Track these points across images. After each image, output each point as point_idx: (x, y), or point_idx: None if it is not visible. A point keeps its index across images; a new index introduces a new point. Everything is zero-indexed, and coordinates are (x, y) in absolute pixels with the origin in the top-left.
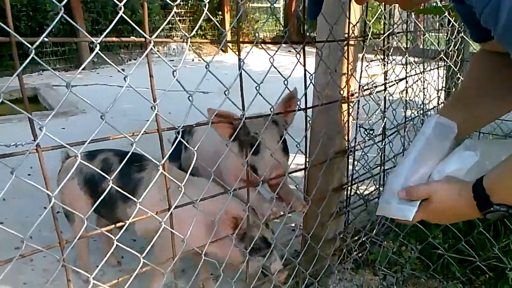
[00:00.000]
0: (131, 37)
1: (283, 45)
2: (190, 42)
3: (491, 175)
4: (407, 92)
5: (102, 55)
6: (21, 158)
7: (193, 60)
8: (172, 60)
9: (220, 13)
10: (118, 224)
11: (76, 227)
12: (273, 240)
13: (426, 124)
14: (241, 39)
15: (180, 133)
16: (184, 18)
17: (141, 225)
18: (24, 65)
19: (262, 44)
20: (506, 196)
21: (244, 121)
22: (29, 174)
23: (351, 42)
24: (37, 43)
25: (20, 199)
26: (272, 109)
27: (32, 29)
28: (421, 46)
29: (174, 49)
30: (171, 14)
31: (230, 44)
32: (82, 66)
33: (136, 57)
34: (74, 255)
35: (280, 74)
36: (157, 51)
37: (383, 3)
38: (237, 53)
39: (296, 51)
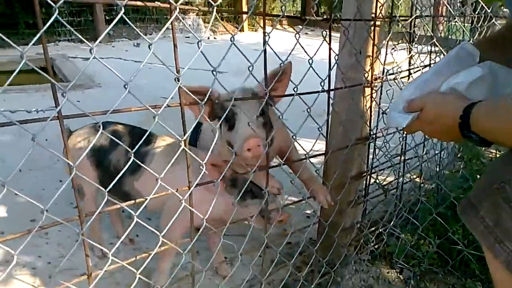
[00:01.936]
0: (156, 1)
1: (300, 26)
2: (216, 12)
3: (483, 105)
4: None
5: (126, 18)
6: (41, 125)
7: (208, 38)
8: (188, 37)
9: None
10: (138, 200)
11: (87, 202)
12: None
13: (452, 49)
14: (259, 20)
15: (203, 108)
16: None
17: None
18: (47, 25)
19: (287, 22)
20: (481, 128)
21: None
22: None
23: (378, 23)
24: (61, 1)
25: (36, 171)
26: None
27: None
28: (442, 35)
29: (190, 25)
30: None
31: (247, 23)
32: (108, 29)
33: (152, 32)
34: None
35: (306, 52)
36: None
37: None
38: (255, 32)
39: (321, 29)
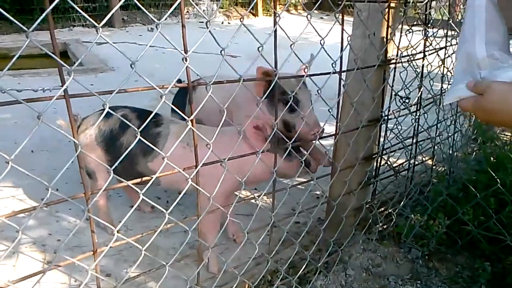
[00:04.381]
0: None
1: (315, 11)
2: None
3: None
4: (444, 63)
5: (138, 4)
6: (52, 105)
7: (222, 23)
8: (202, 22)
9: None
10: (145, 179)
11: (99, 186)
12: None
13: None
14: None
15: (211, 88)
16: None
17: (166, 177)
18: (54, 4)
19: (301, 7)
20: None
21: (278, 80)
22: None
23: (392, 5)
24: None
25: (47, 152)
26: (306, 71)
27: None
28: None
29: (204, 10)
30: None
31: (261, 8)
32: (116, 8)
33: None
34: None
35: (318, 34)
36: (187, 11)
37: None
38: (269, 16)
39: (335, 9)
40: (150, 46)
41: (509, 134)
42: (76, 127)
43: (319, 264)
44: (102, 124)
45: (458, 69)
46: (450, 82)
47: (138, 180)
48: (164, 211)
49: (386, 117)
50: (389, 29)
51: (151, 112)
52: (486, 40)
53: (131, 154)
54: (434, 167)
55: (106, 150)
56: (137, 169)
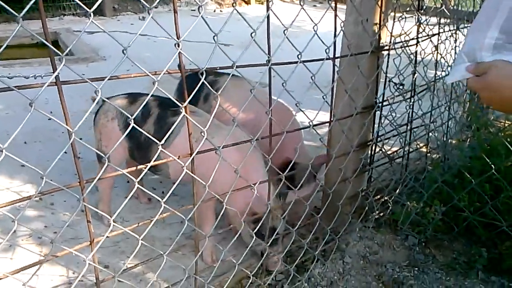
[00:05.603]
0: None
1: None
2: None
3: None
4: (437, 49)
5: None
6: (40, 90)
7: (214, 11)
8: (194, 10)
9: None
10: (140, 166)
11: (109, 170)
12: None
13: None
14: None
15: (204, 74)
16: None
17: (175, 167)
18: None
19: None
20: None
21: None
22: (49, 119)
23: None
24: None
25: (41, 143)
26: None
27: None
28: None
29: None
30: None
31: None
32: None
33: (157, 5)
34: (94, 201)
35: (311, 19)
36: None
37: None
38: (261, 4)
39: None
40: (141, 35)
41: (503, 120)
42: (98, 107)
43: (317, 252)
44: (125, 109)
45: (464, 49)
46: (443, 69)
47: (133, 168)
48: (160, 200)
49: (380, 104)
50: (382, 15)
51: (172, 100)
52: (500, 29)
53: (148, 142)
54: (428, 154)
55: (128, 137)
56: (151, 157)
